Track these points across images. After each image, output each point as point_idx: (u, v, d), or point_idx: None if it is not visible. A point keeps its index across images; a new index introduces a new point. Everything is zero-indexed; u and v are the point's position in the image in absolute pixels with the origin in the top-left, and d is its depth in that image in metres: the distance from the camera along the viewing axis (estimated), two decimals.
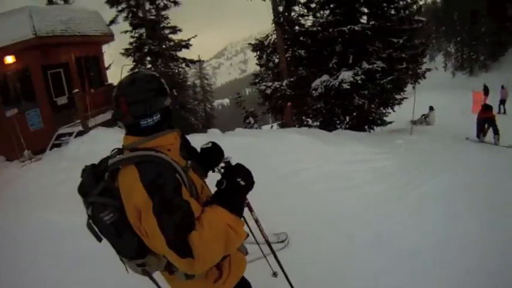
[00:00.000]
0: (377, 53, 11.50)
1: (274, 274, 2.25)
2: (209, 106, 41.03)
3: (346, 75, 11.14)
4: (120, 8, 11.09)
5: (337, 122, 13.16)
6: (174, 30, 12.00)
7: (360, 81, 10.90)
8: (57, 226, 4.69)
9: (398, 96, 12.79)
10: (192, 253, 1.12)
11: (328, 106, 12.47)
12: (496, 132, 9.32)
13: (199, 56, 46.61)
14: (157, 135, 1.32)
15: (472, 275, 2.93)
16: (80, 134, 8.97)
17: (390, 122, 13.19)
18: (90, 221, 1.35)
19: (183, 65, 27.32)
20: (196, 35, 12.33)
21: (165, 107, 1.38)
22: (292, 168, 5.64)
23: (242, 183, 1.33)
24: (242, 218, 1.35)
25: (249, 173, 1.39)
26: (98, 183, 1.33)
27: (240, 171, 1.37)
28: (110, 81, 12.30)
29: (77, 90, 9.33)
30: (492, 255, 3.17)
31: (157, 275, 1.50)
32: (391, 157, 7.05)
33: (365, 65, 11.19)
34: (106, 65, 12.81)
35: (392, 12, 12.17)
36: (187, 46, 12.26)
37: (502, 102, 16.07)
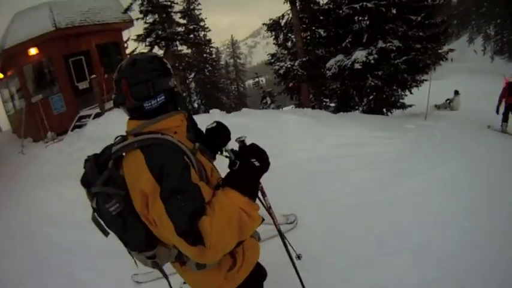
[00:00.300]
0: (394, 31, 10.83)
1: (298, 257, 2.24)
2: (241, 85, 40.87)
3: (359, 54, 10.65)
4: None
5: (353, 103, 12.74)
6: (186, 13, 12.24)
7: (372, 61, 10.41)
8: (72, 197, 5.27)
9: (418, 78, 12.02)
10: (203, 240, 1.04)
11: (343, 87, 12.10)
12: None
13: (232, 36, 46.87)
14: (162, 118, 1.25)
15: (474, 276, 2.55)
16: (97, 115, 9.60)
17: (410, 105, 12.49)
18: (95, 214, 1.28)
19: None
20: (206, 17, 12.52)
21: (170, 88, 1.31)
22: (280, 149, 5.40)
23: (257, 164, 1.22)
24: (257, 201, 1.26)
25: (264, 153, 1.28)
26: (101, 173, 1.25)
27: (254, 151, 1.27)
28: None
29: (94, 75, 9.95)
30: (494, 257, 2.73)
31: (167, 267, 1.44)
32: (394, 142, 6.72)
33: (380, 44, 10.59)
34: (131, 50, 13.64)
35: None
36: (196, 30, 12.49)
37: None
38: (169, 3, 12.18)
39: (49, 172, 7.10)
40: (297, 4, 12.19)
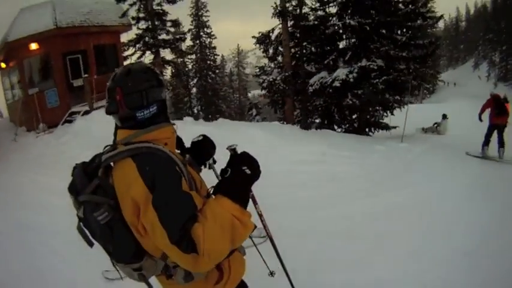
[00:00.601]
0: (378, 50, 10.86)
1: (271, 274, 2.10)
2: (244, 95, 41.53)
3: (340, 72, 10.78)
4: (131, 1, 12.14)
5: (335, 121, 12.82)
6: (175, 23, 12.86)
7: (351, 80, 10.50)
8: (46, 184, 5.83)
9: (403, 99, 12.02)
10: (196, 248, 1.03)
11: (324, 104, 12.31)
12: (502, 143, 7.71)
13: (238, 45, 47.16)
14: (154, 128, 1.27)
15: None
16: (86, 113, 10.24)
17: (394, 127, 12.38)
18: (81, 223, 1.27)
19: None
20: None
21: (162, 99, 1.33)
22: None
23: (248, 171, 1.23)
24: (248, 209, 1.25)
25: (255, 161, 1.28)
26: (90, 181, 1.23)
27: (245, 159, 1.27)
28: None
29: (86, 75, 10.60)
30: None
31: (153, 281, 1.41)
32: (353, 162, 6.81)
33: (364, 62, 10.62)
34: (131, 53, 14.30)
35: (400, 6, 11.45)
36: (182, 39, 13.11)
37: None
38: (161, 11, 12.74)
39: (32, 160, 7.75)
40: (288, 19, 12.45)
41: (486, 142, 7.88)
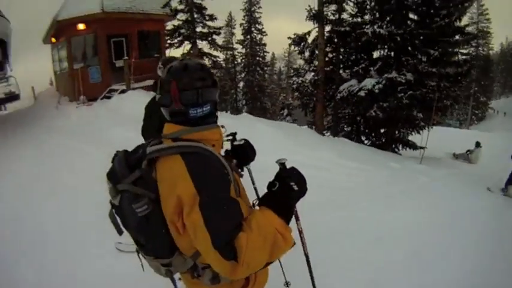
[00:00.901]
0: (408, 63, 10.53)
1: (287, 284, 2.11)
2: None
3: (368, 82, 10.61)
4: None
5: (361, 132, 12.45)
6: (212, 17, 13.50)
7: (377, 91, 10.27)
8: (76, 148, 6.72)
9: (436, 118, 11.55)
10: (237, 256, 1.04)
11: (351, 113, 12.16)
12: None
13: (289, 45, 47.48)
14: (205, 128, 1.26)
15: None
16: (122, 92, 11.18)
17: (422, 147, 10.85)
18: (113, 210, 1.28)
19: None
20: (221, 27, 13.72)
21: (215, 101, 1.31)
22: None
23: (295, 187, 1.22)
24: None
25: (303, 178, 1.28)
26: (131, 171, 1.22)
27: (294, 175, 1.26)
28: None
29: (126, 57, 11.54)
30: None
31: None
32: (360, 175, 6.62)
33: (393, 74, 10.32)
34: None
35: (436, 19, 10.79)
36: (217, 33, 13.72)
37: None
38: (200, 4, 13.36)
39: (69, 127, 8.74)
40: (325, 23, 12.34)
41: (511, 180, 7.20)
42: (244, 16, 32.16)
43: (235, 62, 32.31)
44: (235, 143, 1.62)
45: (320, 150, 7.87)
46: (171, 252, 1.23)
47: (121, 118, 8.41)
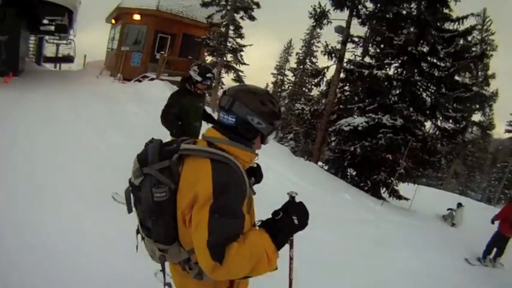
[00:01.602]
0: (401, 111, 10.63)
1: None
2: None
3: (358, 120, 11.04)
4: (218, 8, 14.32)
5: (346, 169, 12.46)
6: (241, 35, 14.79)
7: (360, 128, 10.71)
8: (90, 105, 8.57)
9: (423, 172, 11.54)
10: (222, 260, 1.14)
11: (340, 147, 12.37)
12: (501, 252, 7.07)
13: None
14: (242, 147, 1.33)
15: None
16: (151, 79, 13.09)
17: (406, 199, 11.38)
18: (130, 189, 1.37)
19: None
20: (245, 46, 14.89)
21: (262, 133, 1.37)
22: None
23: (296, 222, 1.31)
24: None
25: (307, 214, 1.36)
26: (160, 160, 1.31)
27: (298, 210, 1.34)
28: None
29: (162, 52, 13.56)
30: None
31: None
32: (308, 196, 6.98)
33: (385, 117, 10.59)
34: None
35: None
36: (239, 50, 15.22)
37: None
38: (238, 23, 14.71)
39: (99, 94, 10.69)
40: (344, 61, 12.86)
41: (489, 251, 7.05)
42: (302, 46, 32.27)
43: (283, 88, 33.73)
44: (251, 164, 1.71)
45: (291, 174, 8.29)
46: (172, 241, 1.33)
47: (139, 98, 10.26)
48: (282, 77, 33.45)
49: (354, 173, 12.16)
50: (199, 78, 3.55)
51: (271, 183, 6.14)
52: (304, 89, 31.58)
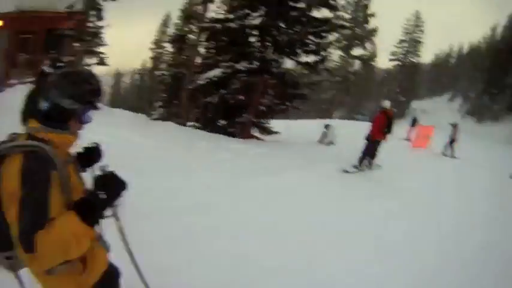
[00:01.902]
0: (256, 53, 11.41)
1: None
2: None
3: (213, 72, 11.81)
4: None
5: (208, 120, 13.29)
6: (99, 16, 15.27)
7: (215, 79, 11.47)
8: None
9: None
10: (33, 250, 1.13)
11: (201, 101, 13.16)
12: (374, 155, 8.05)
13: None
14: (56, 131, 1.35)
15: None
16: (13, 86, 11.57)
17: (276, 132, 12.91)
18: None
19: None
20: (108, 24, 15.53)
21: (78, 114, 1.39)
22: None
23: (103, 196, 1.27)
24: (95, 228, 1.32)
25: (119, 185, 1.34)
26: None
27: (106, 184, 1.31)
28: None
29: (21, 54, 13.19)
30: None
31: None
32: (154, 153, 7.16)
33: (242, 64, 11.27)
34: None
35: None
36: (100, 32, 15.72)
37: (451, 142, 14.01)
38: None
39: None
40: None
41: (364, 157, 7.94)
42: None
43: (161, 60, 31.82)
44: (88, 145, 1.71)
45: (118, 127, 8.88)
46: (11, 245, 1.27)
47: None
48: (161, 50, 32.55)
49: (226, 123, 12.60)
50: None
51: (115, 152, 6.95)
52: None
